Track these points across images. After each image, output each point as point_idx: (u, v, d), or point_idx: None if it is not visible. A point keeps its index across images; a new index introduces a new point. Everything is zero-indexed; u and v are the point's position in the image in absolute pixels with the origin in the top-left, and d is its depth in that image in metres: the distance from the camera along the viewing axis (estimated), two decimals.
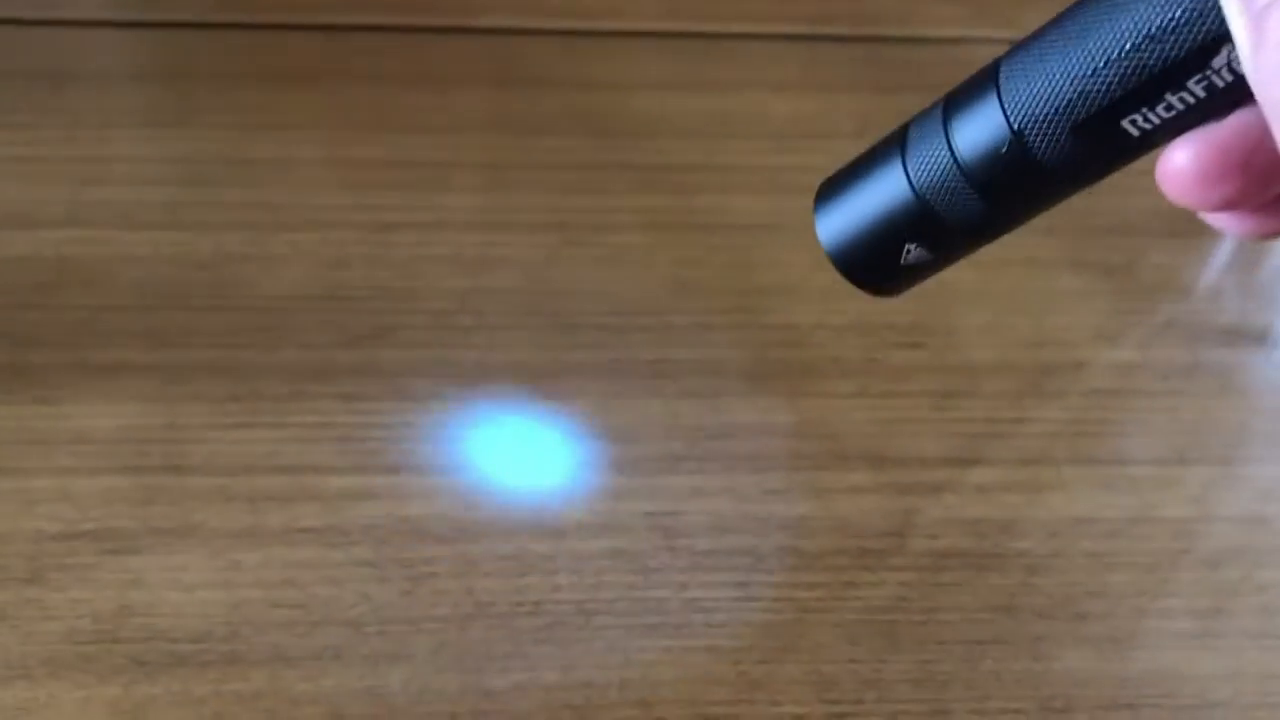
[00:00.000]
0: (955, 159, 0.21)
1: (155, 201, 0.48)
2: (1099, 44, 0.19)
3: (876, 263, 0.24)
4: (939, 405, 0.42)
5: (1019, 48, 0.21)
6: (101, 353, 0.42)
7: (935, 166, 0.22)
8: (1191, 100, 0.19)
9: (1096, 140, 0.20)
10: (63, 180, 0.49)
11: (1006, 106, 0.20)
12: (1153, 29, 0.18)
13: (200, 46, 0.57)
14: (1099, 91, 0.19)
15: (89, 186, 0.48)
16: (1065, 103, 0.19)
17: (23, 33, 0.58)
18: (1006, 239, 0.51)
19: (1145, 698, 0.34)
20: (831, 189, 0.24)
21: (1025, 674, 0.34)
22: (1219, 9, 0.17)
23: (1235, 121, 0.19)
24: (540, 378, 0.42)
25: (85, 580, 0.35)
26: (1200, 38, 0.18)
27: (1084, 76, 0.19)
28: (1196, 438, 0.42)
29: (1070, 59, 0.19)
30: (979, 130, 0.21)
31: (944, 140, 0.21)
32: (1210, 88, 0.18)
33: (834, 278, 0.47)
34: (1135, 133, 0.19)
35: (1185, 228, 0.51)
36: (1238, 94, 0.18)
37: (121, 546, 0.36)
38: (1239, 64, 0.17)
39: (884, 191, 0.23)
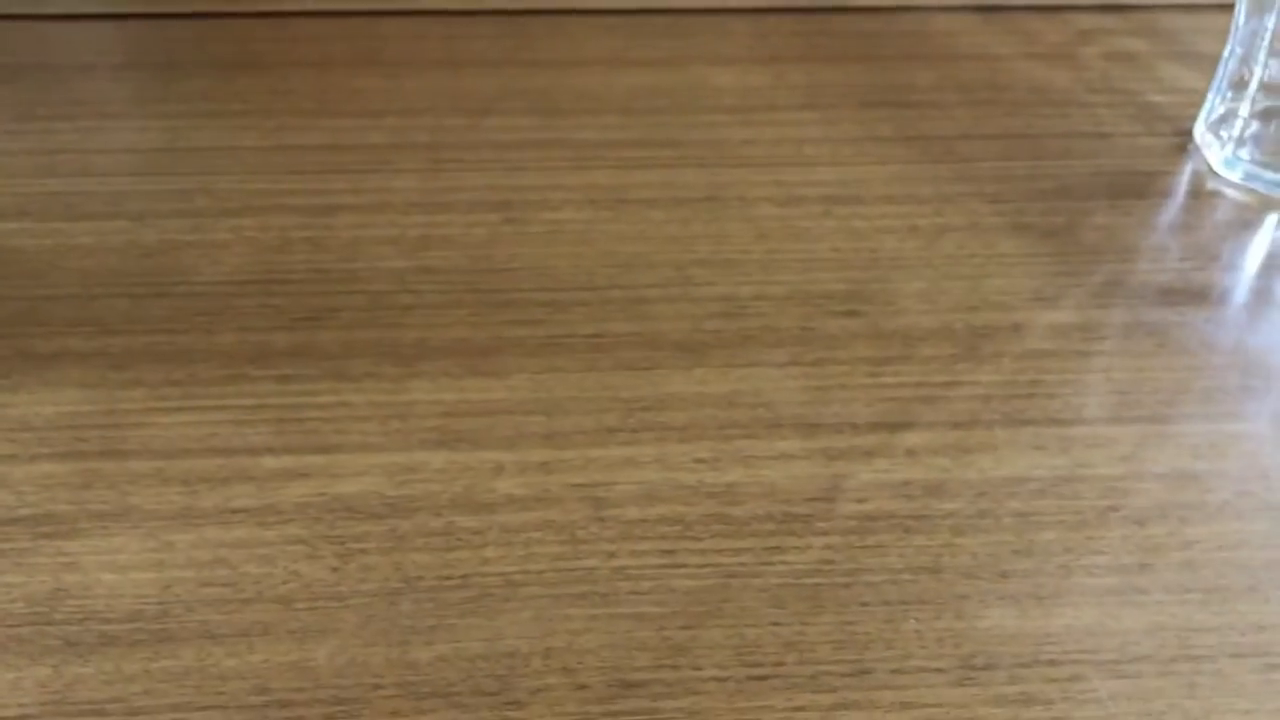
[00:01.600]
0: None
1: (102, 192, 0.49)
2: None
3: None
4: (873, 372, 0.42)
5: None
6: (44, 341, 0.42)
7: None
8: None
9: None
10: (9, 173, 0.49)
11: None
12: None
13: (146, 37, 0.58)
14: None
15: (36, 179, 0.49)
16: None
17: None
18: (949, 205, 0.51)
19: (1068, 654, 0.34)
20: None
21: (947, 632, 0.35)
22: None
23: None
24: (477, 355, 0.42)
25: (20, 565, 0.35)
26: None
27: None
28: (1131, 396, 0.42)
29: None
30: None
31: None
32: None
33: (774, 248, 0.47)
34: None
35: (1128, 189, 0.51)
36: None
37: (57, 530, 0.36)
38: None
39: None
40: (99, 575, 0.35)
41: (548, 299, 0.45)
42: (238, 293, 0.44)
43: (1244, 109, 0.51)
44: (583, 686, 0.33)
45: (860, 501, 0.38)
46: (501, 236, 0.47)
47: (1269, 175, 0.51)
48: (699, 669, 0.34)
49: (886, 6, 0.62)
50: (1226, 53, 0.52)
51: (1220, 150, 0.52)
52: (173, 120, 0.52)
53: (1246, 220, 0.50)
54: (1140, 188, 0.51)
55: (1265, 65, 0.50)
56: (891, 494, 0.38)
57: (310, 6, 0.58)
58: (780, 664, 0.34)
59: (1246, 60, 0.51)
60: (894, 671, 0.34)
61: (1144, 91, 0.57)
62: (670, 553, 0.36)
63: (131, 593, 0.35)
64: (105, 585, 0.35)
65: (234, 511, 0.37)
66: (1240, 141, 0.52)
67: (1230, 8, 0.51)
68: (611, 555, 0.36)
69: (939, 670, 0.34)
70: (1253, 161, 0.51)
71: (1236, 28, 0.51)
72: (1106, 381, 0.43)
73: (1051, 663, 0.34)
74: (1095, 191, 0.51)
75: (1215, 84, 0.53)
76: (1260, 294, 0.47)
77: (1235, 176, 0.52)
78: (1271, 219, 0.50)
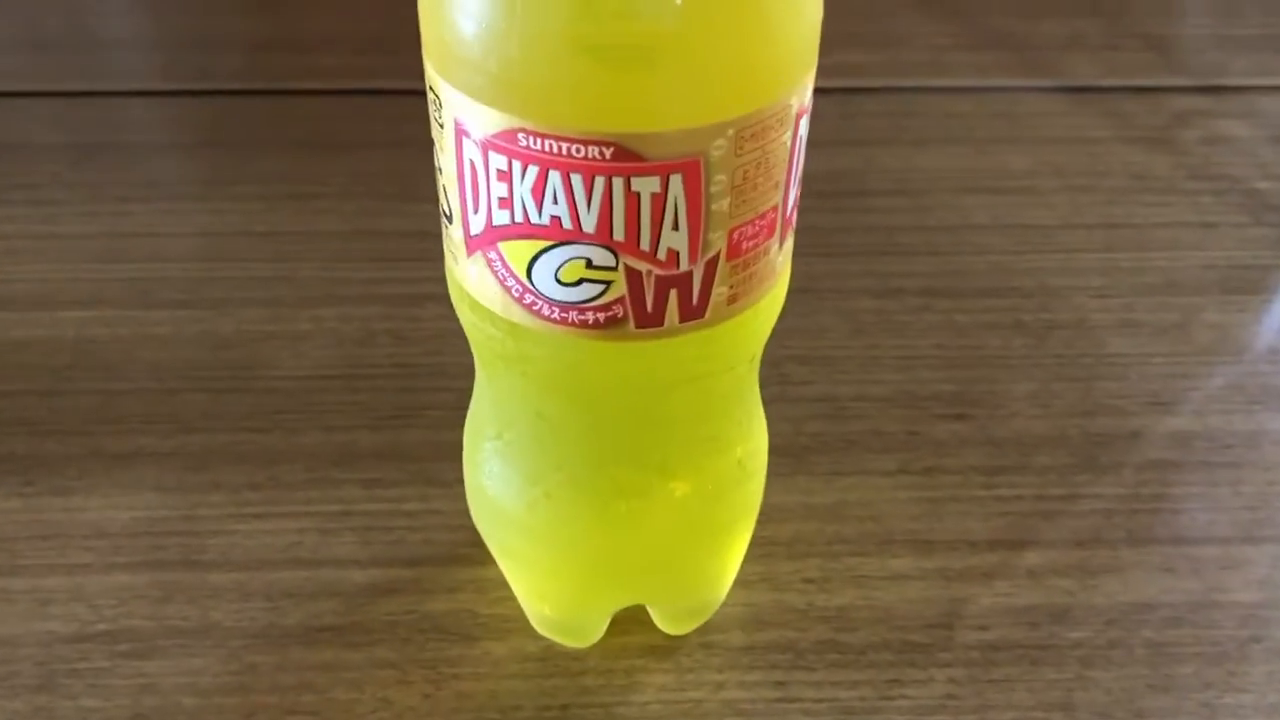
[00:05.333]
0: None
1: (177, 278, 0.47)
2: None
3: None
4: (987, 482, 0.40)
5: None
6: (119, 440, 0.41)
7: None
8: None
9: None
10: (83, 257, 0.48)
11: None
12: None
13: (223, 115, 0.57)
14: None
15: (110, 264, 0.48)
16: None
17: (42, 105, 0.57)
18: (1054, 299, 0.49)
19: None
20: None
21: None
22: None
23: None
24: None
25: (97, 687, 0.34)
26: None
27: None
28: (1263, 513, 0.40)
29: None
30: None
31: None
32: None
33: (873, 344, 0.45)
34: None
35: (1240, 284, 0.49)
36: None
37: (136, 649, 0.35)
38: None
39: None
40: (179, 699, 0.33)
41: None
42: (320, 388, 0.43)
43: None
44: None
45: (982, 629, 0.36)
46: None
47: None
48: None
49: (974, 86, 0.60)
50: None
51: None
52: (249, 203, 0.51)
53: None
54: (1253, 282, 0.49)
55: None
56: (1014, 620, 0.36)
57: (390, 84, 0.56)
58: None
59: None
60: None
61: (1248, 178, 0.55)
62: (783, 684, 0.34)
63: (214, 719, 0.33)
64: (187, 711, 0.33)
65: (320, 630, 0.35)
66: None
67: None
68: (720, 686, 0.34)
69: None
70: None
71: None
72: (1235, 496, 0.40)
73: None
74: (1205, 286, 0.49)
75: None
76: None
77: None
78: None
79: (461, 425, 0.34)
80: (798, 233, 0.29)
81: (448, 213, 0.27)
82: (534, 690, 0.34)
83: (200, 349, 0.44)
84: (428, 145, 0.27)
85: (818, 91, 0.27)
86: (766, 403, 0.34)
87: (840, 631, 0.35)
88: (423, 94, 0.26)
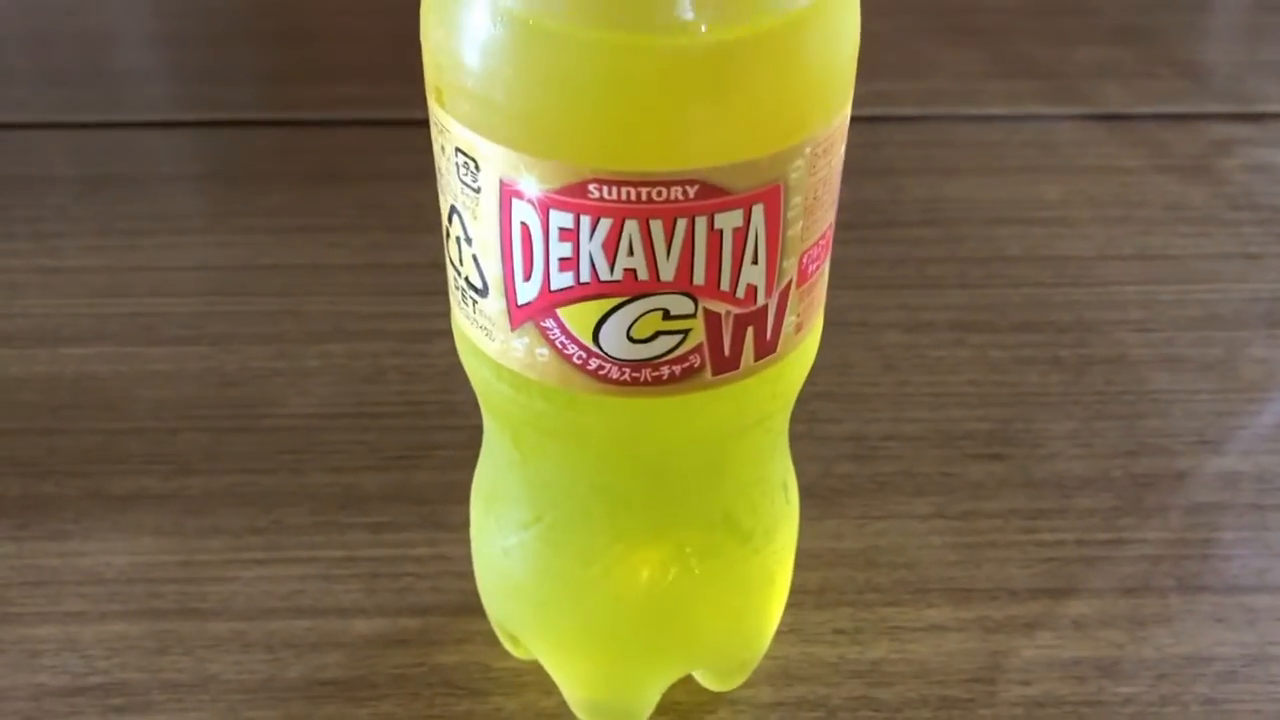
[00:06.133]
0: None
1: (181, 313, 0.46)
2: None
3: None
4: (1027, 527, 0.38)
5: None
6: (119, 480, 0.39)
7: None
8: None
9: None
10: (86, 291, 0.47)
11: None
12: None
13: (233, 146, 0.56)
14: None
15: (113, 298, 0.46)
16: None
17: (53, 136, 0.56)
18: (1091, 334, 0.47)
19: None
20: None
21: None
22: None
23: None
24: None
25: None
26: None
27: None
28: None
29: None
30: None
31: None
32: None
33: (904, 380, 0.43)
34: None
35: None
36: None
37: (129, 703, 0.33)
38: None
39: None
40: None
41: None
42: (326, 427, 0.41)
43: None
44: None
45: (1025, 684, 0.34)
46: None
47: None
48: None
49: (1005, 115, 0.58)
50: None
51: None
52: (256, 235, 0.50)
53: None
54: None
55: None
56: (1060, 675, 0.34)
57: (402, 115, 0.55)
58: None
59: None
60: None
61: None
62: None
63: None
64: None
65: (323, 684, 0.33)
66: None
67: None
68: None
69: None
70: None
71: None
72: None
73: None
74: (1250, 320, 0.46)
75: None
76: None
77: None
78: None
79: (471, 465, 0.33)
80: None
81: (478, 286, 0.25)
82: None
83: (204, 386, 0.43)
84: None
85: None
86: (794, 441, 0.32)
87: (874, 687, 0.33)
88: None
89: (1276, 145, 0.57)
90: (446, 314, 0.28)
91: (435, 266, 0.48)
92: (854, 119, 0.25)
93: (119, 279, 0.47)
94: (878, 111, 0.57)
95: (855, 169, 0.54)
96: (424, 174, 0.53)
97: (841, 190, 0.28)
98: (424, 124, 0.25)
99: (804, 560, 0.36)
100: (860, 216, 0.51)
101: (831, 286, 0.45)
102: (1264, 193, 0.53)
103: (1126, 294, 0.48)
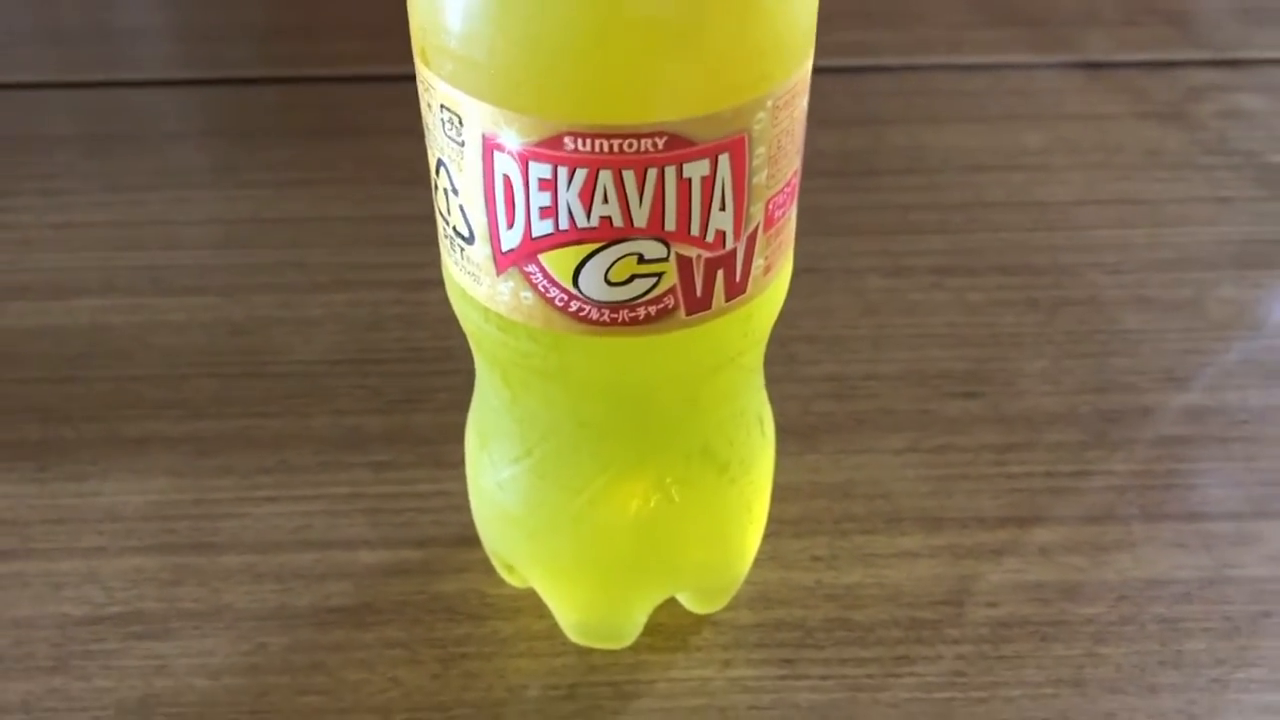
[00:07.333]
0: None
1: (189, 265, 0.48)
2: None
3: None
4: (997, 460, 0.40)
5: None
6: (133, 425, 0.41)
7: None
8: None
9: None
10: (97, 245, 0.48)
11: None
12: None
13: (234, 103, 0.57)
14: None
15: (123, 251, 0.48)
16: None
17: (56, 96, 0.58)
18: (1066, 276, 0.48)
19: None
20: None
21: None
22: None
23: None
24: None
25: (110, 668, 0.34)
26: None
27: None
28: (1276, 488, 0.39)
29: None
30: None
31: None
32: None
33: (884, 323, 0.45)
34: None
35: (1255, 259, 0.48)
36: None
37: (148, 631, 0.35)
38: None
39: None
40: (191, 680, 0.34)
41: None
42: (330, 373, 0.43)
43: None
44: None
45: (992, 605, 0.36)
46: None
47: None
48: None
49: (988, 63, 0.60)
50: None
51: None
52: (259, 190, 0.51)
53: None
54: (1268, 257, 0.48)
55: None
56: (1025, 597, 0.36)
57: (400, 70, 0.56)
58: None
59: None
60: None
61: (1264, 152, 0.54)
62: (790, 663, 0.34)
63: (225, 700, 0.33)
64: (198, 692, 0.33)
65: (330, 611, 0.35)
66: None
67: None
68: (727, 664, 0.34)
69: None
70: None
71: None
72: (1249, 471, 0.40)
73: None
74: (1220, 261, 0.48)
75: None
76: None
77: None
78: None
79: (469, 407, 0.34)
80: (806, 212, 0.29)
81: (465, 234, 0.26)
82: (542, 669, 0.34)
83: (212, 335, 0.44)
84: None
85: (829, 70, 0.27)
86: (773, 382, 0.34)
87: (848, 609, 0.35)
88: None
89: (1252, 90, 0.58)
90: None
91: (432, 219, 0.50)
92: (838, 69, 0.27)
93: (128, 233, 0.49)
94: (861, 61, 0.58)
95: (839, 118, 0.56)
96: (420, 129, 0.55)
97: (824, 140, 0.30)
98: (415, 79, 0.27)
99: (783, 492, 0.38)
100: (843, 164, 0.53)
101: (814, 233, 0.46)
102: (1238, 138, 0.55)
103: (1101, 237, 0.49)
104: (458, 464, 0.39)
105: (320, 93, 0.58)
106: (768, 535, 0.37)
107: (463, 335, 0.31)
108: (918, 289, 0.47)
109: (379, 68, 0.58)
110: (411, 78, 0.26)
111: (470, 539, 0.36)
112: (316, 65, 0.59)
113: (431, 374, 0.43)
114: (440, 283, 0.30)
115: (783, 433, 0.35)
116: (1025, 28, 0.62)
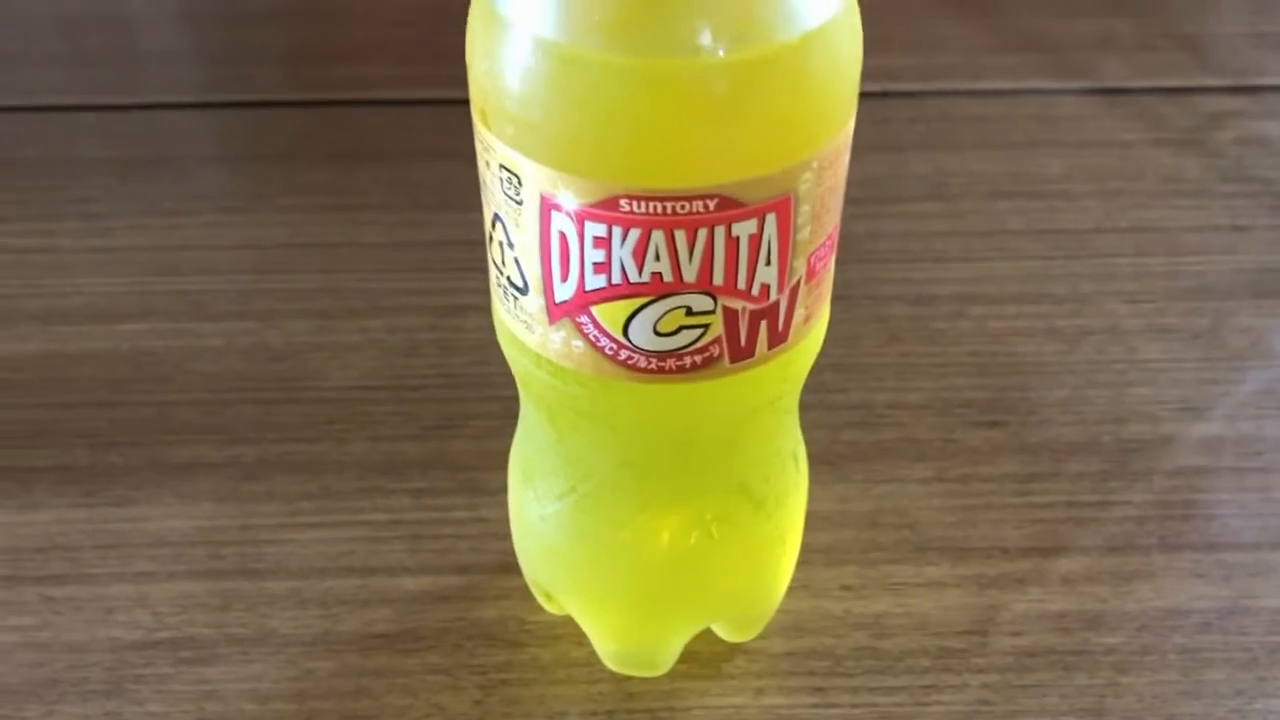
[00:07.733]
0: None
1: (227, 290, 0.49)
2: None
3: None
4: (1020, 490, 0.41)
5: None
6: (176, 450, 0.42)
7: None
8: None
9: None
10: (136, 270, 0.49)
11: None
12: None
13: (265, 126, 0.58)
14: None
15: (161, 276, 0.49)
16: None
17: (85, 118, 0.59)
18: (1086, 305, 0.49)
19: None
20: None
21: None
22: None
23: None
24: None
25: (162, 693, 0.35)
26: None
27: None
28: None
29: None
30: None
31: None
32: None
33: (908, 351, 0.46)
34: None
35: (1273, 288, 0.49)
36: None
37: (198, 656, 0.36)
38: None
39: None
40: (241, 705, 0.35)
41: None
42: (367, 398, 0.44)
43: None
44: None
45: (1015, 635, 0.37)
46: None
47: None
48: None
49: (1007, 90, 0.61)
50: None
51: None
52: (292, 214, 0.52)
53: None
54: None
55: None
56: (1048, 627, 0.37)
57: (432, 94, 0.58)
58: None
59: None
60: None
61: None
62: (821, 690, 0.35)
63: None
64: (248, 716, 0.35)
65: (374, 637, 0.36)
66: None
67: None
68: (760, 692, 0.35)
69: None
70: None
71: None
72: (1265, 501, 0.41)
73: None
74: (1237, 290, 0.49)
75: None
76: None
77: None
78: None
79: (506, 434, 0.35)
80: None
81: (519, 285, 0.27)
82: (580, 696, 0.35)
83: (251, 361, 0.46)
84: (470, 155, 0.28)
85: None
86: (803, 410, 0.35)
87: (877, 638, 0.36)
88: (464, 103, 0.27)
89: (1270, 117, 0.59)
90: (478, 289, 0.31)
91: (465, 243, 0.51)
92: (860, 95, 0.28)
93: (166, 257, 0.50)
94: (882, 87, 0.59)
95: (861, 145, 0.57)
96: (451, 153, 0.56)
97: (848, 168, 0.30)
98: (449, 103, 0.28)
99: (813, 522, 0.39)
100: (867, 192, 0.53)
101: (840, 261, 0.47)
102: (1255, 165, 0.56)
103: (1120, 266, 0.50)
104: (495, 491, 0.40)
105: (349, 116, 0.59)
106: (800, 564, 0.38)
107: (500, 363, 0.32)
108: (941, 317, 0.48)
109: (406, 92, 0.59)
110: (438, 101, 0.28)
111: (509, 566, 0.38)
112: (344, 89, 0.60)
113: (468, 400, 0.44)
114: (475, 309, 0.31)
115: (813, 461, 0.36)
116: (1044, 53, 0.63)
